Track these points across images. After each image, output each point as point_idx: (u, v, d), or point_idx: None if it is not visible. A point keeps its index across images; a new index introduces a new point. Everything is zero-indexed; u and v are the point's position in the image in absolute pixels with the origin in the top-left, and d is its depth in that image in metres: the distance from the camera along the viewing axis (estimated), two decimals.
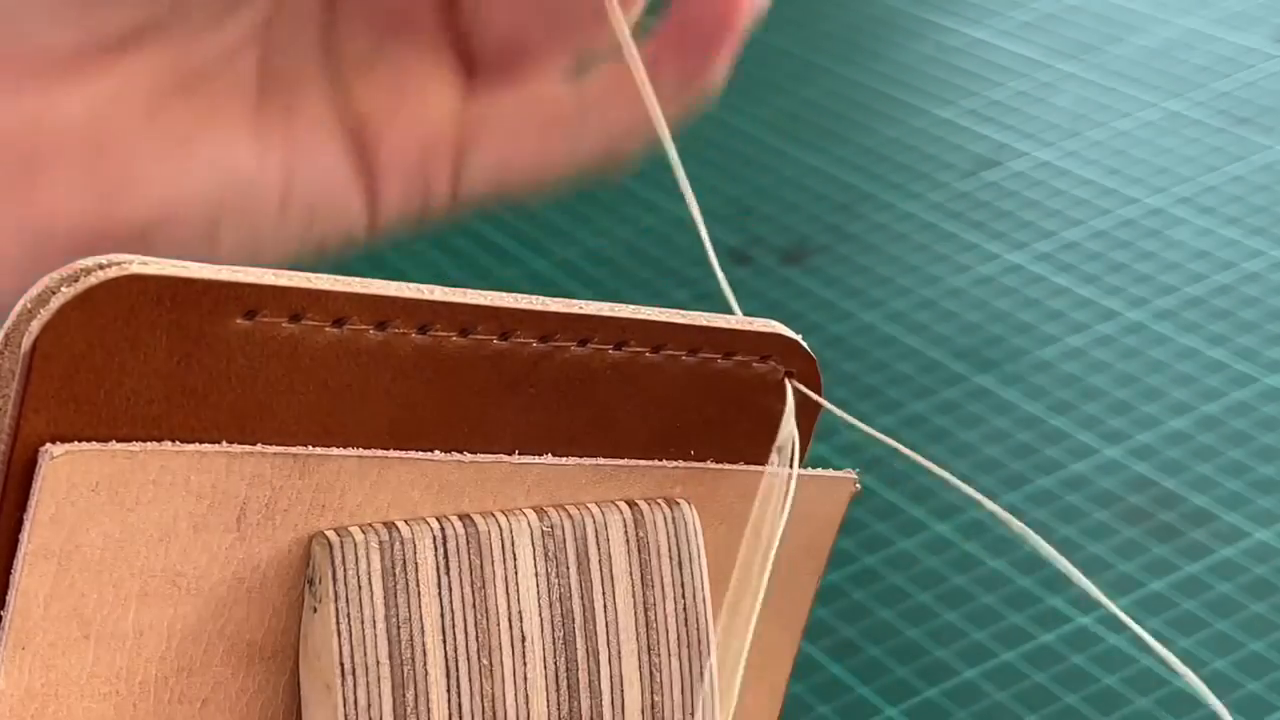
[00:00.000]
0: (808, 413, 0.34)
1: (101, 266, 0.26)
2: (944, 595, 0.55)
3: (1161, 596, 0.55)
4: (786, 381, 0.33)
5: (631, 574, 0.32)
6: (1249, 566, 0.56)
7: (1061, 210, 0.77)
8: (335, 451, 0.29)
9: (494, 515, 0.31)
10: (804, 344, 0.34)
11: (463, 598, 0.30)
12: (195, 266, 0.27)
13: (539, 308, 0.30)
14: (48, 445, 0.27)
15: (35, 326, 0.26)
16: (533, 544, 0.31)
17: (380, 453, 0.30)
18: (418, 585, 0.30)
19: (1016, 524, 0.34)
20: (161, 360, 0.27)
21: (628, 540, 0.32)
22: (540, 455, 0.32)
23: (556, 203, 0.82)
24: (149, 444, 0.28)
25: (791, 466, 0.34)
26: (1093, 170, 0.80)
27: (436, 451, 0.30)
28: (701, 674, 0.33)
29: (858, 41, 0.94)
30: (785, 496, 0.33)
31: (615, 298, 0.75)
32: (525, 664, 0.31)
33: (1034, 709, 0.50)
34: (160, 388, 0.27)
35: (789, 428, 0.34)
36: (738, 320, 0.33)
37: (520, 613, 0.31)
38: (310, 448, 0.29)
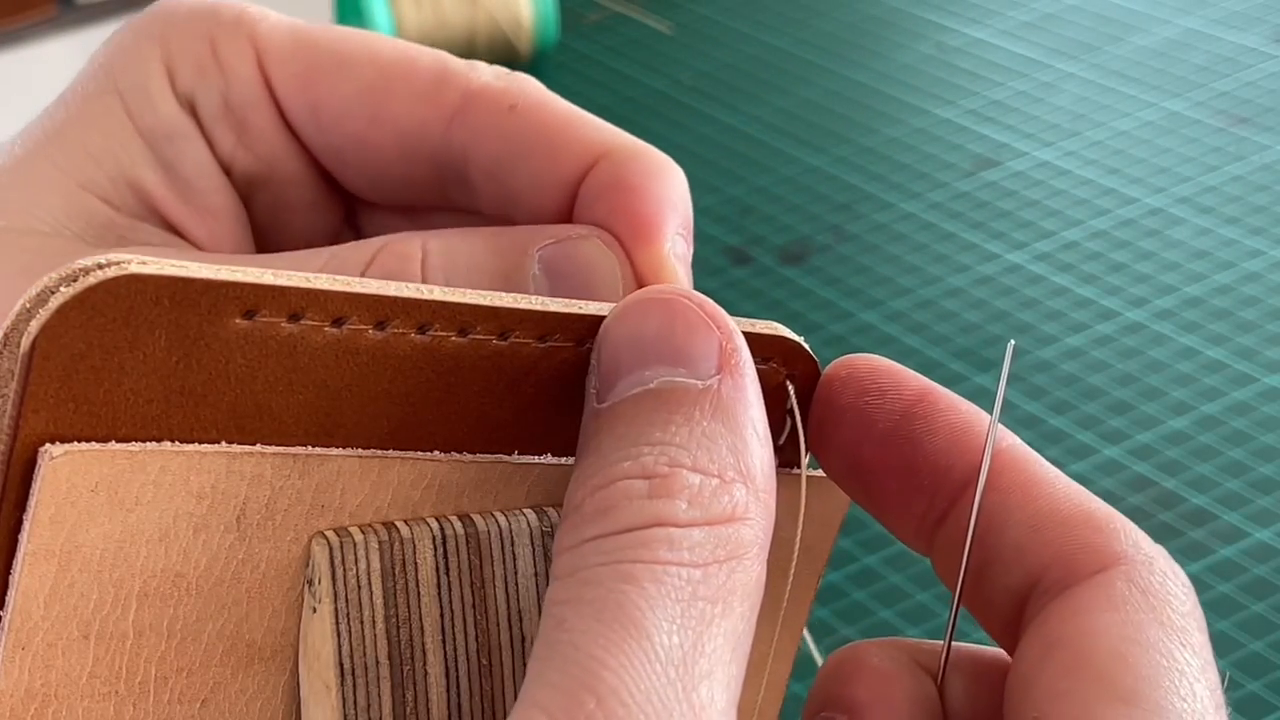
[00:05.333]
0: (809, 411, 0.34)
1: (100, 266, 0.26)
2: (944, 595, 0.55)
3: None
4: (788, 384, 0.33)
5: None
6: (1249, 566, 0.56)
7: (1061, 210, 0.77)
8: (335, 451, 0.29)
9: (493, 515, 0.31)
10: (806, 346, 0.33)
11: (462, 598, 0.30)
12: (194, 266, 0.27)
13: (538, 308, 0.30)
14: (47, 446, 0.27)
15: (34, 326, 0.26)
16: (532, 544, 0.31)
17: (380, 453, 0.30)
18: (417, 585, 0.30)
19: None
20: (160, 360, 0.27)
21: None
22: (540, 455, 0.32)
23: None
24: (148, 444, 0.28)
25: (801, 467, 0.34)
26: (1093, 170, 0.80)
27: (436, 451, 0.30)
28: None
29: (858, 41, 0.94)
30: (800, 496, 0.33)
31: None
32: (525, 664, 0.31)
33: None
34: (159, 387, 0.27)
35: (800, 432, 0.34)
36: (740, 321, 0.33)
37: (520, 613, 0.31)
38: (310, 448, 0.29)
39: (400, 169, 0.39)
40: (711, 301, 0.30)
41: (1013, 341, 0.36)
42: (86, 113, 0.40)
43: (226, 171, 0.40)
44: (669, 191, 0.37)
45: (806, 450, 0.34)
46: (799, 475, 0.35)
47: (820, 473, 0.35)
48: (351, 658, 0.29)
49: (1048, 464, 0.31)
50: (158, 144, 0.40)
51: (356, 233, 0.42)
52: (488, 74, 0.39)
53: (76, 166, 0.39)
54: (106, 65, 0.40)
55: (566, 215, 0.37)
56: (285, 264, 0.37)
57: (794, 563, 0.34)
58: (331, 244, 0.41)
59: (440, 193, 0.40)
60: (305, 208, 0.41)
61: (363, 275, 0.34)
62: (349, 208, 0.42)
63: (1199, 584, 0.55)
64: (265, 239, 0.41)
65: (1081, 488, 0.31)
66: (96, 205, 0.39)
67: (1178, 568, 0.30)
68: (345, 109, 0.39)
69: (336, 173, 0.40)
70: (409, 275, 0.36)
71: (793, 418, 0.34)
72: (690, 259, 0.36)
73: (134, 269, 0.26)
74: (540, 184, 0.38)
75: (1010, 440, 0.32)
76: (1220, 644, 0.53)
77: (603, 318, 0.31)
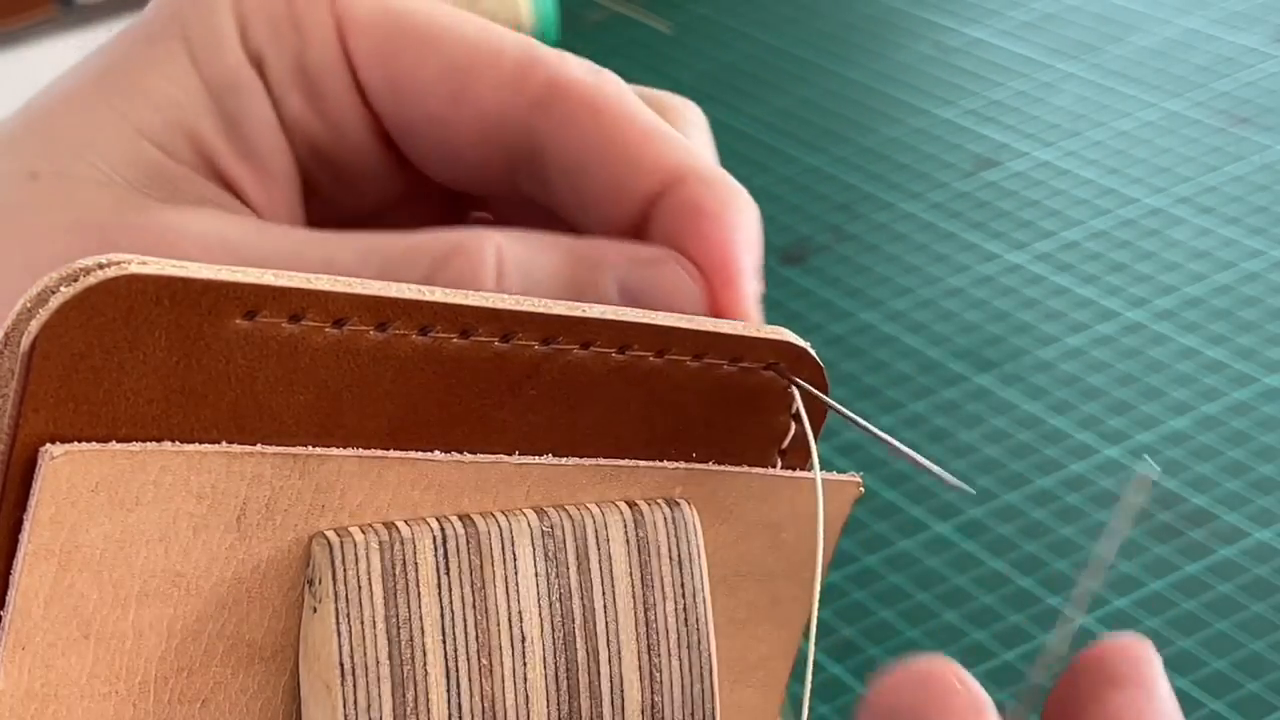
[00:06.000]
0: (814, 419, 0.34)
1: (101, 266, 0.26)
2: (944, 595, 0.55)
3: (1161, 596, 0.55)
4: (794, 390, 0.33)
5: (631, 574, 0.32)
6: (1249, 566, 0.56)
7: (1061, 210, 0.77)
8: (335, 451, 0.29)
9: (494, 515, 0.31)
10: (812, 352, 0.33)
11: (462, 598, 0.30)
12: (194, 266, 0.27)
13: (541, 310, 0.30)
14: (47, 445, 0.27)
15: (34, 326, 0.26)
16: (533, 544, 0.31)
17: (380, 453, 0.30)
18: (418, 585, 0.30)
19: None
20: (161, 360, 0.27)
21: (628, 540, 0.32)
22: (541, 456, 0.32)
23: None
24: (149, 444, 0.28)
25: (812, 471, 0.34)
26: (1093, 170, 0.80)
27: (436, 452, 0.30)
28: (702, 674, 0.33)
29: (858, 41, 0.94)
30: (817, 502, 0.33)
31: None
32: (525, 664, 0.31)
33: (1034, 709, 0.50)
34: (160, 387, 0.27)
35: (806, 436, 0.34)
36: (744, 326, 0.33)
37: (520, 613, 0.31)
38: (310, 448, 0.29)
39: (476, 153, 0.38)
40: (978, 693, 0.29)
41: (1145, 472, 0.34)
42: (150, 56, 0.38)
43: (289, 135, 0.39)
44: (746, 224, 0.36)
45: (818, 456, 0.34)
46: (801, 479, 0.35)
47: (832, 475, 0.35)
48: (352, 658, 0.29)
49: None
50: (221, 96, 0.38)
51: (415, 206, 0.41)
52: (576, 67, 0.38)
53: (134, 110, 0.38)
54: (175, 11, 0.38)
55: (636, 231, 0.37)
56: (342, 255, 0.35)
57: (819, 568, 0.34)
58: (386, 219, 0.40)
59: (510, 182, 0.39)
60: (367, 178, 0.40)
61: (429, 281, 0.33)
62: (411, 182, 0.41)
63: (1199, 584, 0.55)
64: (323, 207, 0.40)
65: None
66: (152, 153, 0.38)
67: None
68: (427, 86, 0.38)
69: (409, 150, 0.39)
70: (481, 283, 0.34)
71: (799, 423, 0.34)
72: (761, 295, 0.36)
73: (134, 269, 0.26)
74: (613, 193, 0.37)
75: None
76: (1220, 644, 0.52)
77: (607, 320, 0.31)
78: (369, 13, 0.38)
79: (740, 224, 0.36)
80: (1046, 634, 0.53)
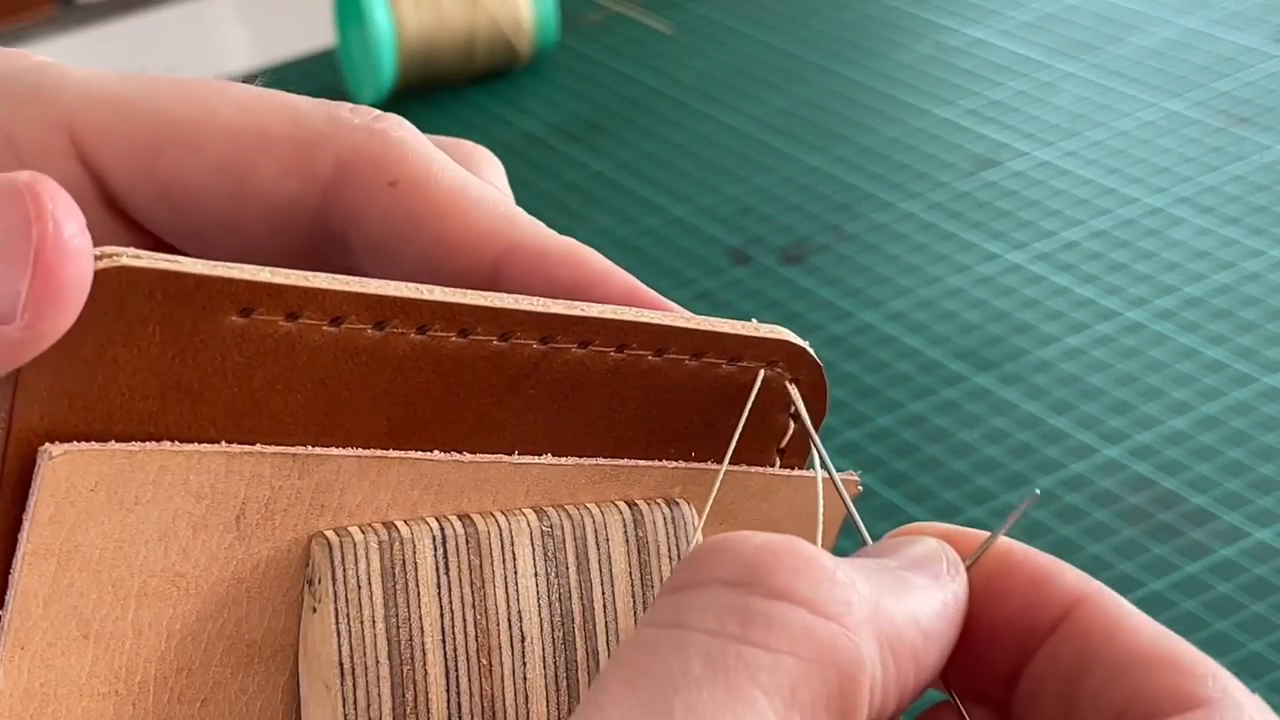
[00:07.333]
0: (814, 417, 0.34)
1: (94, 259, 0.26)
2: None
3: (1161, 596, 0.55)
4: (792, 388, 0.33)
5: (631, 574, 0.32)
6: (1249, 566, 0.56)
7: (1061, 210, 0.77)
8: (334, 451, 0.29)
9: (493, 515, 0.31)
10: (810, 350, 0.33)
11: (462, 598, 0.30)
12: (187, 261, 0.27)
13: (540, 309, 0.30)
14: (47, 445, 0.27)
15: None
16: (532, 544, 0.31)
17: (379, 452, 0.30)
18: (417, 585, 0.30)
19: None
20: (155, 355, 0.27)
21: (627, 540, 0.32)
22: (540, 455, 0.32)
23: (556, 203, 0.82)
24: (148, 444, 0.27)
25: (810, 470, 0.34)
26: (1093, 170, 0.79)
27: (436, 451, 0.30)
28: None
29: (858, 41, 0.94)
30: (817, 498, 0.33)
31: None
32: (525, 664, 0.31)
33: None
34: (155, 384, 0.27)
35: (804, 434, 0.34)
36: (743, 325, 0.33)
37: (520, 613, 0.31)
38: (309, 447, 0.29)
39: (271, 243, 0.35)
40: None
41: (1037, 491, 0.36)
42: None
43: None
44: (602, 261, 0.34)
45: (818, 453, 0.34)
46: (799, 478, 0.35)
47: (826, 474, 0.35)
48: (351, 657, 0.29)
49: (1133, 608, 0.29)
50: None
51: None
52: (355, 131, 0.34)
53: None
54: None
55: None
56: None
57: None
58: None
59: (318, 262, 0.34)
60: None
61: None
62: None
63: (1199, 584, 0.55)
64: None
65: (1169, 632, 0.29)
66: None
67: (1273, 717, 0.28)
68: (202, 189, 0.34)
69: (197, 253, 0.34)
70: None
71: (798, 421, 0.34)
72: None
73: (126, 261, 0.26)
74: (436, 270, 0.34)
75: (1095, 586, 0.30)
76: (1220, 644, 0.52)
77: (605, 319, 0.31)
78: (106, 118, 0.34)
79: (604, 263, 0.34)
80: None
